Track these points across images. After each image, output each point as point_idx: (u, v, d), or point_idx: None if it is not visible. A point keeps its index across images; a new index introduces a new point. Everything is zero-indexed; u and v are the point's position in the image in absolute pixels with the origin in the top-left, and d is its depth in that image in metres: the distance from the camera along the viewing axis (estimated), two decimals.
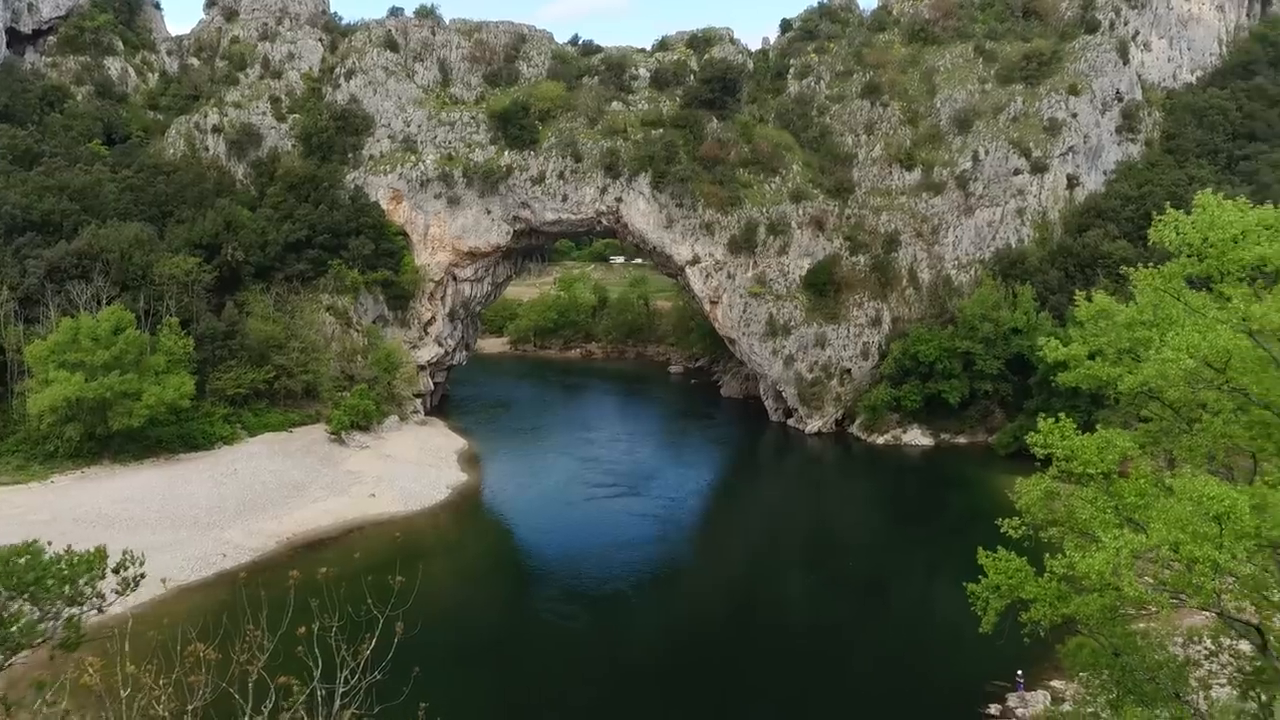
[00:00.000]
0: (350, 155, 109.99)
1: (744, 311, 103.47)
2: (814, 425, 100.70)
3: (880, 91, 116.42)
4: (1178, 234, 20.10)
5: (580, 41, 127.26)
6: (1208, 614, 20.45)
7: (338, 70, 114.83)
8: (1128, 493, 18.54)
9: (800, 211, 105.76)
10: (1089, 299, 24.13)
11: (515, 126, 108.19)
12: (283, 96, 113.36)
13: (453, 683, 46.00)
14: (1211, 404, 21.73)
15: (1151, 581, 18.88)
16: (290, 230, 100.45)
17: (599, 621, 54.32)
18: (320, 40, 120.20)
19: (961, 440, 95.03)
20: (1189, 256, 20.46)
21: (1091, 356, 23.39)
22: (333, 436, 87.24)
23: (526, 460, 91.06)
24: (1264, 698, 23.56)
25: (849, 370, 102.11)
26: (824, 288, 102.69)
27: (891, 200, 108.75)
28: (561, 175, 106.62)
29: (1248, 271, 19.65)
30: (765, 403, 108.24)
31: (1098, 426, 20.88)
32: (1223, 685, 26.56)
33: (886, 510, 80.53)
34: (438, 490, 77.87)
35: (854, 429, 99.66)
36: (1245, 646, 23.16)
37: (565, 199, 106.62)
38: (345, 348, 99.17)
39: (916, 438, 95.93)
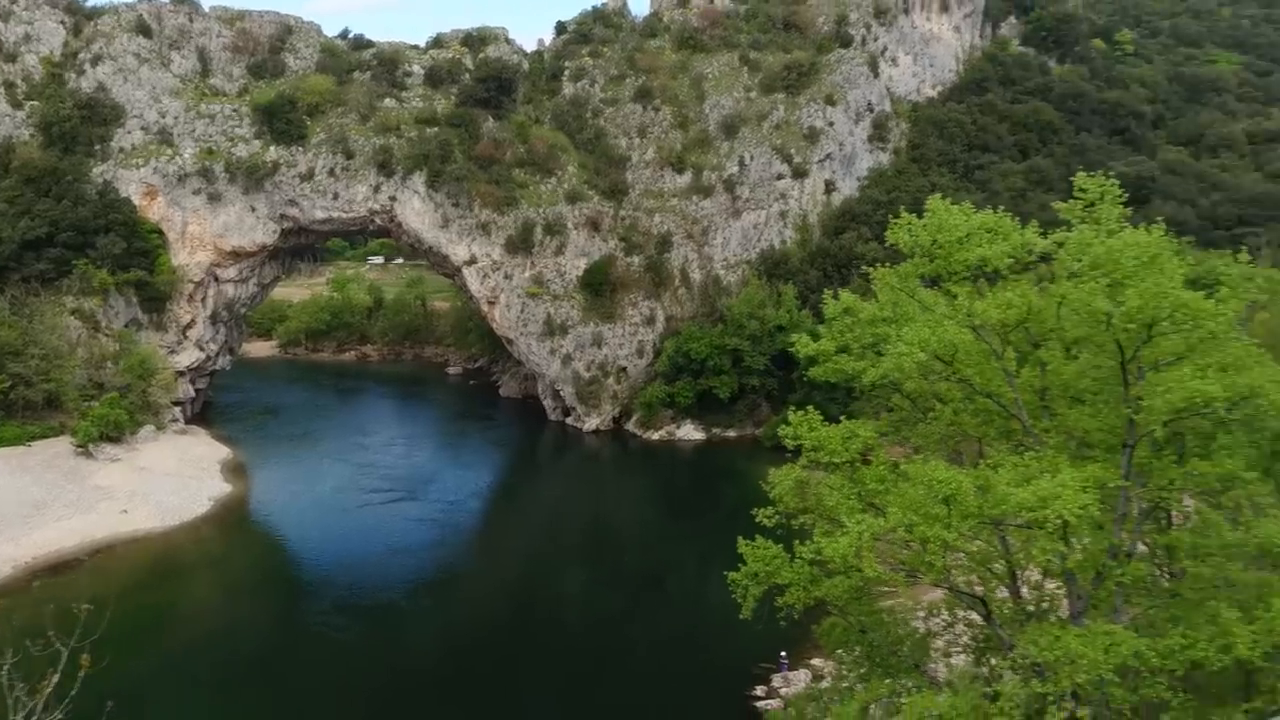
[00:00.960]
0: (98, 147, 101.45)
1: (522, 311, 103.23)
2: (592, 423, 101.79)
3: (652, 96, 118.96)
4: (911, 236, 21.57)
5: (351, 35, 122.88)
6: (944, 589, 22.05)
7: (82, 55, 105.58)
8: (869, 479, 19.76)
9: (576, 212, 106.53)
10: (836, 297, 25.51)
11: (281, 121, 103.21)
12: (18, 82, 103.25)
13: (213, 708, 43.45)
14: (944, 394, 23.48)
15: (894, 562, 20.20)
16: (28, 227, 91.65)
17: (375, 631, 52.73)
18: (62, 23, 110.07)
19: (732, 434, 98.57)
20: (922, 257, 22.02)
21: (840, 352, 24.73)
22: (79, 449, 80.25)
23: (297, 468, 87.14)
24: (993, 663, 25.71)
25: (625, 368, 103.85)
26: (600, 288, 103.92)
27: (664, 202, 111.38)
28: (332, 172, 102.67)
29: (971, 271, 21.34)
30: (544, 402, 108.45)
31: (842, 418, 22.14)
32: (960, 653, 28.82)
33: (661, 504, 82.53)
34: (199, 503, 73.23)
35: (630, 426, 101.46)
36: (977, 617, 25.14)
37: (336, 197, 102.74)
38: (93, 354, 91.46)
39: (690, 433, 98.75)
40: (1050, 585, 23.60)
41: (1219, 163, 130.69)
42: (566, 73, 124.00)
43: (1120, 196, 20.84)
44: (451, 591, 60.29)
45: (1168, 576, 23.56)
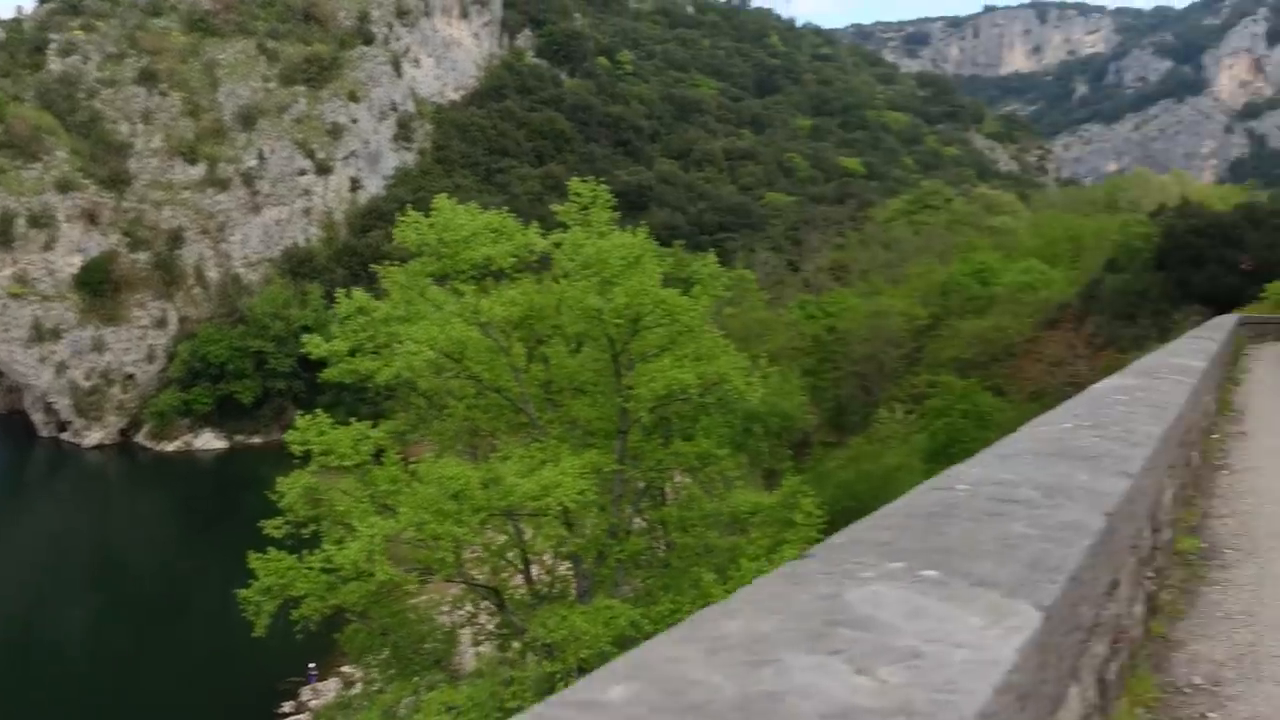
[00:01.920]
0: None
1: (2, 314, 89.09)
2: (94, 438, 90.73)
3: (159, 79, 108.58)
4: (418, 234, 21.59)
5: None
6: (459, 583, 22.38)
7: None
8: (381, 480, 19.46)
9: (69, 203, 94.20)
10: (349, 296, 24.84)
11: None
12: None
13: None
14: (458, 391, 23.83)
15: (410, 562, 20.09)
16: None
17: None
18: None
19: (257, 440, 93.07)
20: (430, 255, 22.13)
21: (355, 352, 24.11)
22: None
23: None
24: (515, 647, 26.66)
25: (133, 375, 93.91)
26: (100, 287, 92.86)
27: (174, 195, 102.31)
28: None
29: (477, 269, 21.84)
30: (33, 417, 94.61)
31: (352, 420, 21.61)
32: (486, 642, 29.52)
33: (179, 521, 75.71)
34: None
35: (141, 438, 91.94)
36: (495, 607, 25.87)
37: None
38: None
39: (210, 442, 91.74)
40: (563, 568, 24.98)
41: (704, 175, 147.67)
42: (53, 46, 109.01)
43: (611, 201, 22.50)
44: None
45: (664, 548, 25.96)
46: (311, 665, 44.21)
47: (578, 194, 22.15)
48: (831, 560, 2.14)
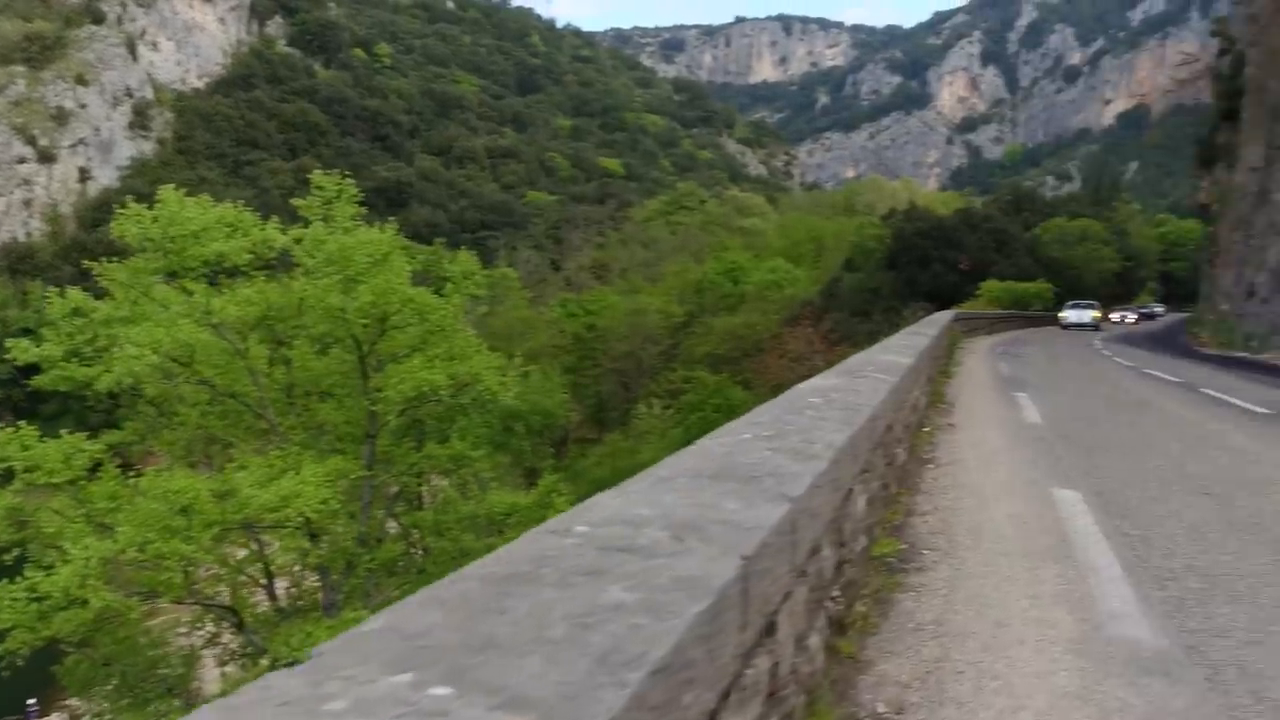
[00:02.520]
0: None
1: None
2: None
3: None
4: (140, 228, 19.92)
5: None
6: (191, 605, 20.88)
7: None
8: (98, 497, 17.80)
9: None
10: (63, 295, 22.62)
11: None
12: None
13: None
14: (190, 397, 22.20)
15: (132, 586, 18.50)
16: None
17: None
18: None
19: None
20: (155, 251, 20.46)
21: (73, 357, 21.98)
22: None
23: None
24: (262, 666, 25.20)
25: None
26: None
27: None
28: None
29: (210, 267, 20.41)
30: None
31: (64, 432, 19.63)
32: (230, 662, 27.75)
33: None
34: None
35: None
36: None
37: None
38: None
39: None
40: (310, 581, 23.82)
41: (465, 173, 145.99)
42: None
43: (356, 196, 21.61)
44: None
45: (422, 553, 25.29)
46: (31, 701, 40.08)
47: (320, 187, 21.12)
48: (319, 672, 1.45)
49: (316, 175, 21.55)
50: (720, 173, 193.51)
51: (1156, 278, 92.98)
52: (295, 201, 21.60)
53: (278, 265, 22.82)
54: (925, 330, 15.93)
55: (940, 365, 17.09)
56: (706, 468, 2.91)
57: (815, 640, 3.00)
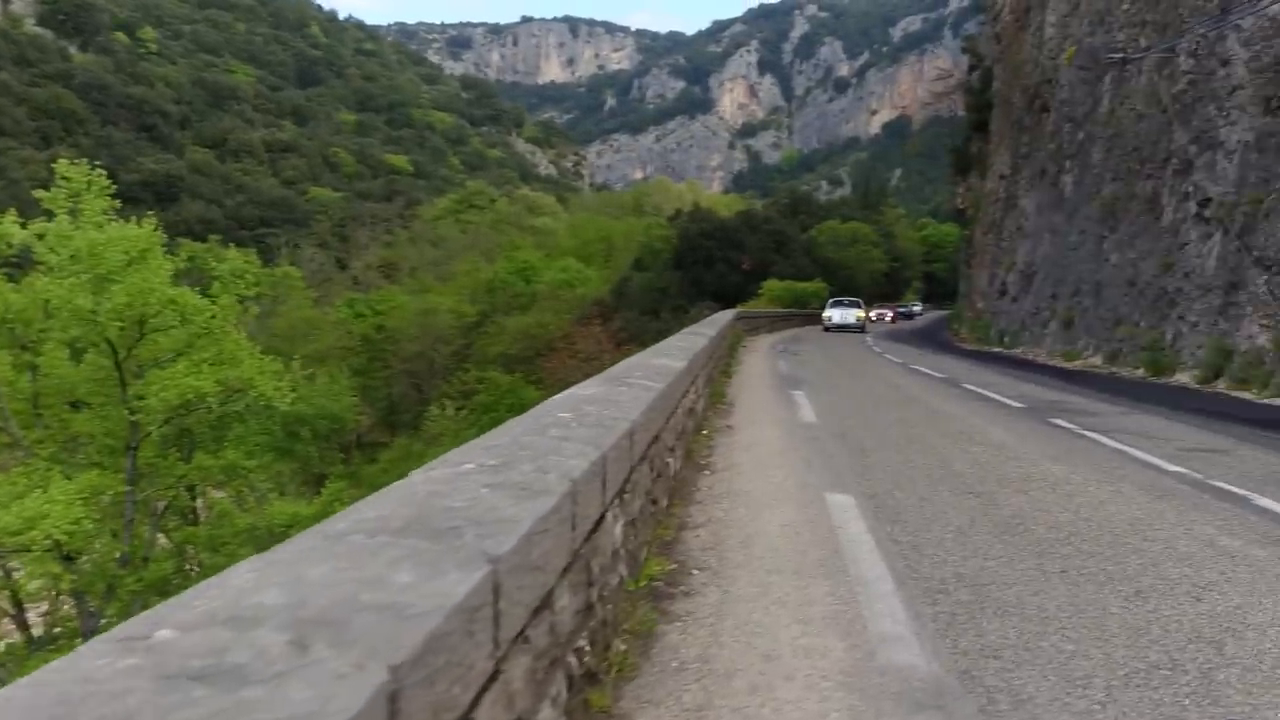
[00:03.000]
0: None
1: None
2: None
3: None
4: None
5: None
6: None
7: None
8: None
9: None
10: None
11: None
12: None
13: None
14: None
15: None
16: None
17: None
18: None
19: None
20: None
21: None
22: None
23: None
24: None
25: None
26: None
27: None
28: None
29: None
30: None
31: None
32: None
33: None
34: None
35: None
36: None
37: None
38: None
39: None
40: (68, 607, 21.93)
41: (241, 167, 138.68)
42: None
43: (109, 189, 20.00)
44: None
45: (196, 570, 23.74)
46: None
47: (66, 178, 19.40)
48: None
49: (62, 165, 19.79)
50: (510, 172, 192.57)
51: (920, 277, 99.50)
52: (38, 194, 19.74)
53: (21, 263, 20.84)
54: (704, 330, 15.94)
55: (721, 365, 17.39)
56: (396, 517, 2.16)
57: (548, 714, 2.45)
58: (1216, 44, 21.53)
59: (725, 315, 26.96)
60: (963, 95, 64.31)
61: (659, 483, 5.93)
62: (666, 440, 6.51)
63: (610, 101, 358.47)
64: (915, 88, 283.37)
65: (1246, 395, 17.08)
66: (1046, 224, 34.79)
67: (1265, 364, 17.87)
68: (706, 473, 8.04)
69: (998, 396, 15.31)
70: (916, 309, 79.46)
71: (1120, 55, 26.99)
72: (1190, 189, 22.63)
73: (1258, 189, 19.43)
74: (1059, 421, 12.01)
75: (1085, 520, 6.50)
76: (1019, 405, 14.08)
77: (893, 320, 64.22)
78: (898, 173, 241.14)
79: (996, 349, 36.28)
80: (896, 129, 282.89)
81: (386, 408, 64.67)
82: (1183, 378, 20.60)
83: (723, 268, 58.14)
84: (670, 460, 6.83)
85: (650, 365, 7.56)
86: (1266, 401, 16.14)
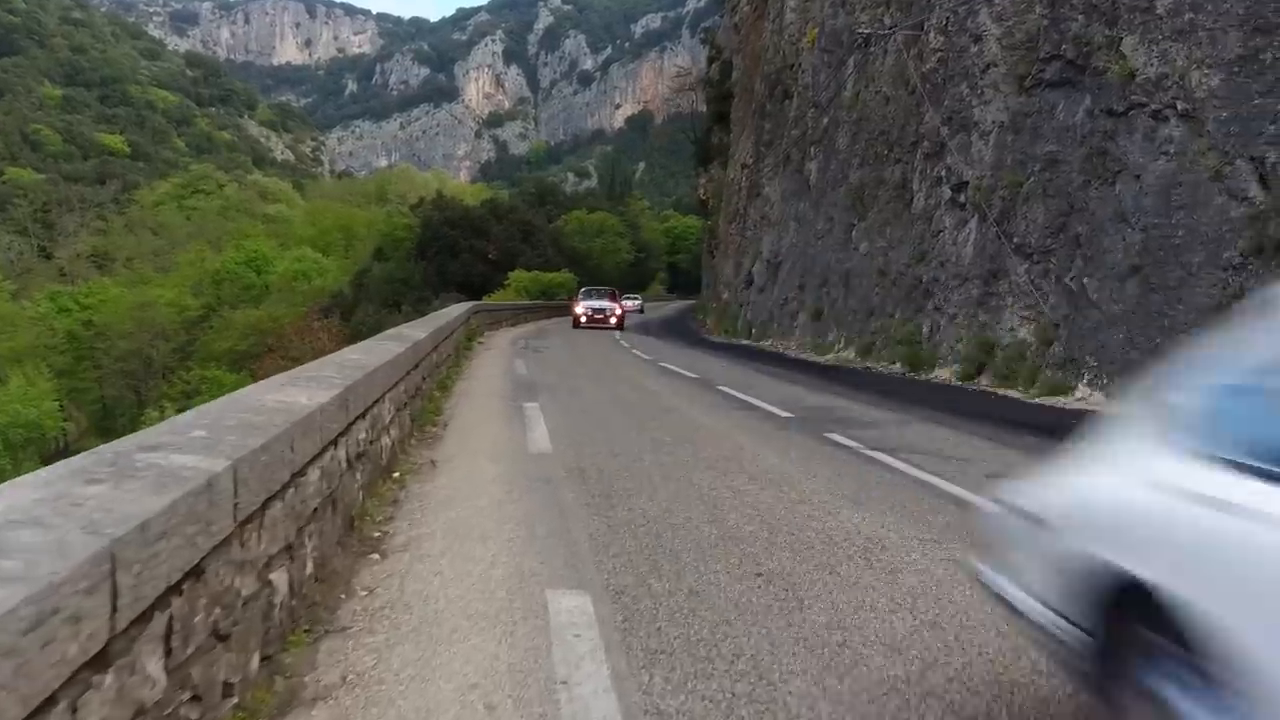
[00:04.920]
0: None
1: None
2: None
3: None
4: None
5: None
6: None
7: None
8: None
9: None
10: None
11: None
12: None
13: None
14: None
15: None
16: None
17: None
18: None
19: None
20: None
21: None
22: None
23: None
24: None
25: None
26: None
27: None
28: None
29: None
30: None
31: None
32: None
33: None
34: None
35: None
36: None
37: None
38: None
39: None
40: None
41: None
42: None
43: None
44: None
45: None
46: None
47: None
48: None
49: None
50: (242, 156, 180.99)
51: (665, 268, 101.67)
52: None
53: None
54: (412, 333, 12.00)
55: (442, 372, 15.02)
56: None
57: None
58: (967, 19, 20.87)
59: (457, 309, 24.50)
60: (702, 90, 65.64)
61: (272, 597, 3.48)
62: (304, 509, 4.10)
63: (352, 86, 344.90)
64: (657, 83, 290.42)
65: (1014, 393, 16.57)
66: (793, 212, 34.51)
67: (1028, 359, 17.39)
68: (374, 558, 5.31)
69: (760, 403, 13.77)
70: (636, 302, 70.63)
71: (865, 34, 26.63)
72: (943, 173, 21.90)
73: (1014, 172, 18.61)
74: (837, 437, 10.44)
75: (929, 633, 4.28)
76: (786, 414, 12.61)
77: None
78: (642, 166, 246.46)
79: (745, 341, 35.89)
80: (640, 123, 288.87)
81: (100, 411, 59.70)
82: (943, 373, 19.98)
83: (468, 258, 56.55)
84: (309, 541, 4.21)
85: (261, 404, 4.24)
86: (1038, 401, 15.60)
